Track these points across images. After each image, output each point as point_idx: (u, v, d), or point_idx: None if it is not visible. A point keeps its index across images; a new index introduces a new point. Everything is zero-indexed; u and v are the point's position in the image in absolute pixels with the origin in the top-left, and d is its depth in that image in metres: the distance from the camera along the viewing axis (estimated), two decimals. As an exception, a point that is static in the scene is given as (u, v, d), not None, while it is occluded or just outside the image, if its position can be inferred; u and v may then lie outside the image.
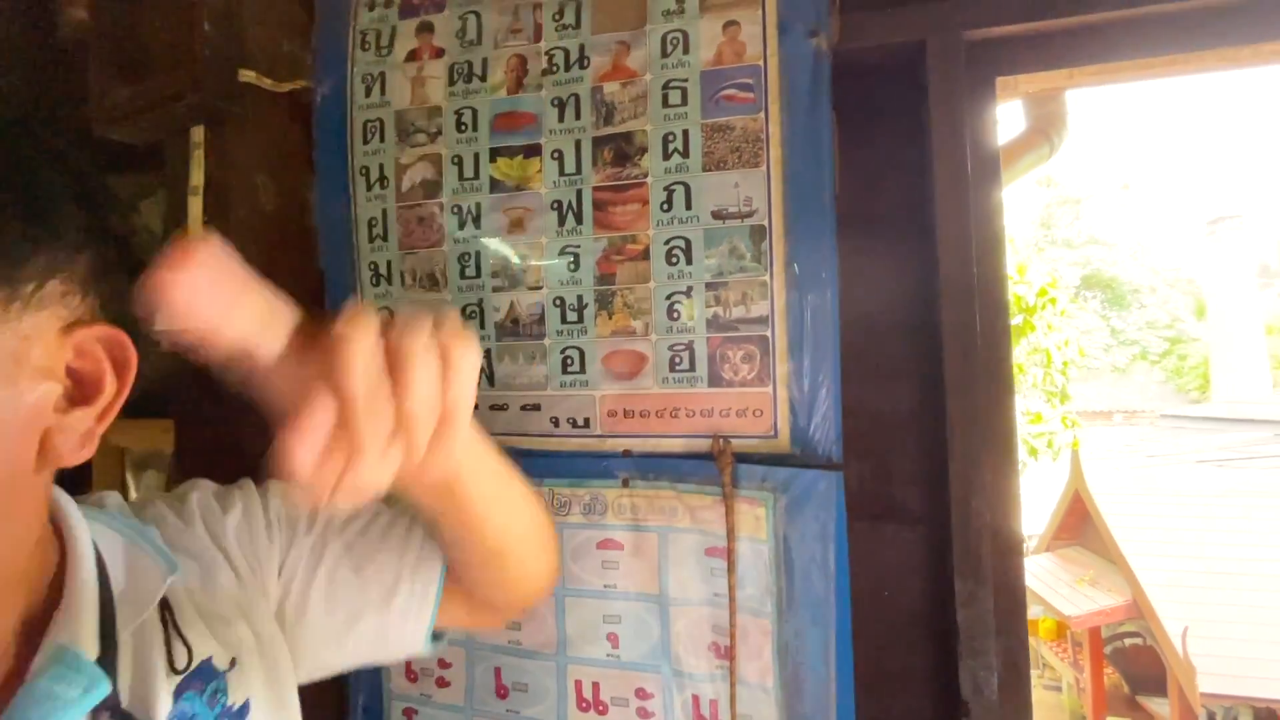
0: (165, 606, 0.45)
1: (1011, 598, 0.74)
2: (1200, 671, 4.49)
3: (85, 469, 1.17)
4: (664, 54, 0.82)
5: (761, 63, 0.79)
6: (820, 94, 0.77)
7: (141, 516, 0.50)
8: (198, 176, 0.88)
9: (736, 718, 0.77)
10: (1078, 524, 6.80)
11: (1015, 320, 4.52)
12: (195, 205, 0.88)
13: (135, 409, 1.17)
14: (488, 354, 0.88)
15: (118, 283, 0.39)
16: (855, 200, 0.80)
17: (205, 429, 0.92)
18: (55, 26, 1.21)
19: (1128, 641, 6.74)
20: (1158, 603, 4.98)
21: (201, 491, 0.55)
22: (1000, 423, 0.75)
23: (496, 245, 0.87)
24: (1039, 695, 7.94)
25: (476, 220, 0.87)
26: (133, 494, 1.19)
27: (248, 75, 0.87)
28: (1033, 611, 7.97)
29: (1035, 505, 7.57)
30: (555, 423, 0.86)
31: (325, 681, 0.97)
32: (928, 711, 0.78)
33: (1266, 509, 5.72)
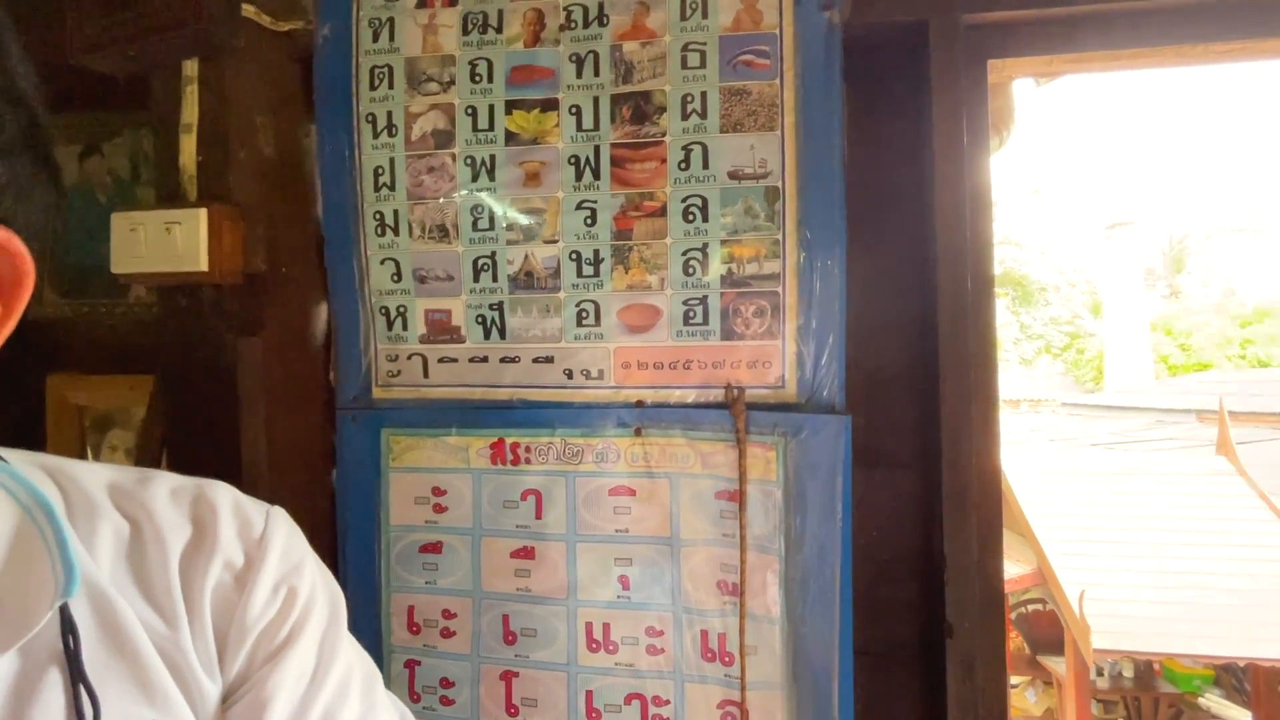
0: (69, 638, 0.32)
1: (991, 530, 0.83)
2: (1094, 631, 4.98)
3: (38, 427, 1.09)
4: (683, 17, 0.84)
5: (777, 31, 0.82)
6: (832, 65, 0.82)
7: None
8: (191, 113, 0.83)
9: (745, 648, 0.82)
10: (991, 501, 7.33)
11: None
12: (189, 143, 0.83)
13: (96, 364, 1.11)
14: (499, 306, 0.89)
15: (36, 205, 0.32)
16: (860, 169, 0.85)
17: (193, 388, 0.88)
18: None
19: (1030, 607, 7.36)
20: (1059, 570, 5.47)
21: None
22: (985, 374, 0.83)
23: (490, 200, 0.87)
24: (952, 660, 8.54)
25: (491, 172, 0.87)
26: (90, 458, 1.12)
27: (248, 10, 0.83)
28: (948, 584, 8.59)
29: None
30: (569, 374, 0.88)
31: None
32: (915, 636, 0.86)
33: (1151, 485, 6.38)
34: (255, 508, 0.41)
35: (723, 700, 0.84)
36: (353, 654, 0.42)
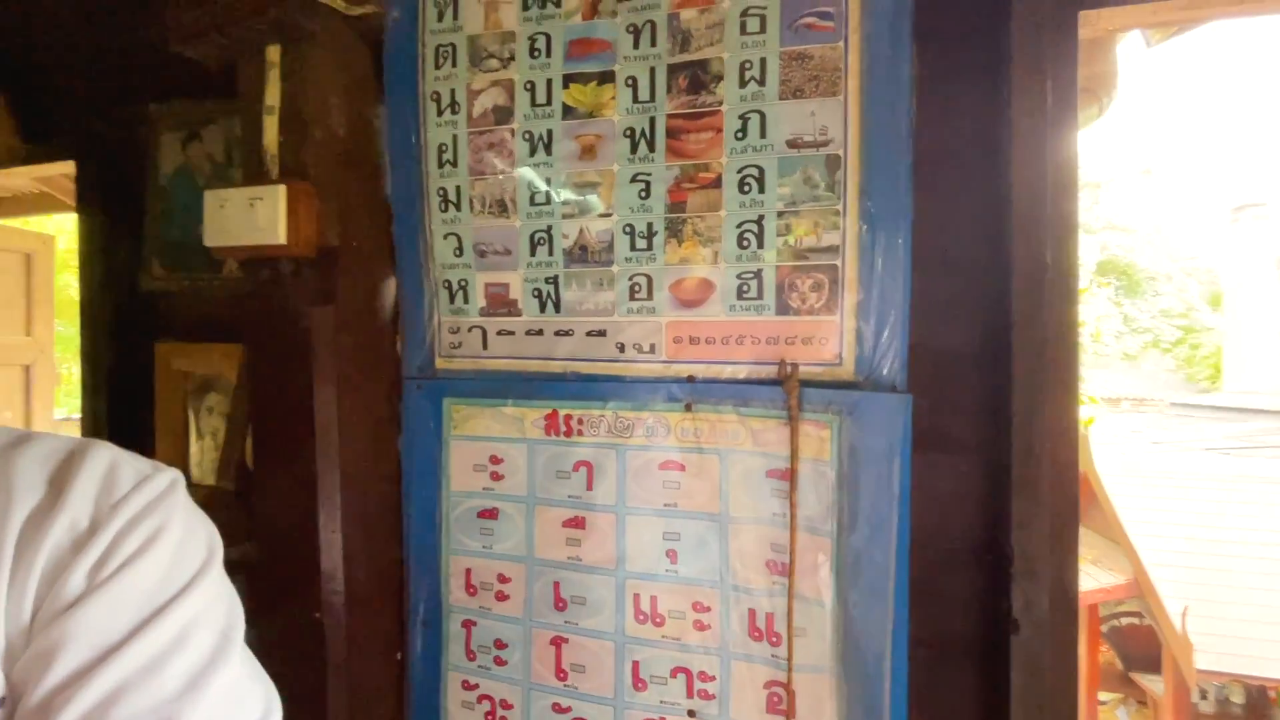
0: None
1: (1065, 524, 0.77)
2: (1197, 649, 4.57)
3: (148, 389, 1.20)
4: (743, -19, 0.82)
5: (842, -9, 0.79)
6: (901, 24, 0.77)
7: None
8: (273, 95, 0.89)
9: (793, 629, 0.80)
10: (1083, 505, 6.84)
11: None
12: (271, 125, 0.89)
13: (198, 333, 1.20)
14: (554, 280, 0.90)
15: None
16: (931, 133, 0.80)
17: (273, 356, 0.94)
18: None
19: (1124, 620, 6.83)
20: (1159, 582, 5.04)
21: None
22: (1064, 360, 0.77)
23: (546, 175, 0.88)
24: (1033, 670, 8.08)
25: (548, 146, 0.88)
26: (192, 420, 1.23)
27: (324, -6, 0.88)
28: (1031, 590, 8.09)
29: (1041, 485, 7.62)
30: (621, 348, 0.88)
31: (385, 594, 1.02)
32: (976, 630, 0.81)
33: (1271, 496, 5.75)
34: (133, 472, 0.38)
35: (769, 680, 0.83)
36: (211, 609, 0.38)
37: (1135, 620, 6.56)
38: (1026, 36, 0.76)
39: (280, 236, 0.84)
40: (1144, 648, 6.24)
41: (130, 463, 0.39)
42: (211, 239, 0.88)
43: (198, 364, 1.18)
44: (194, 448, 1.21)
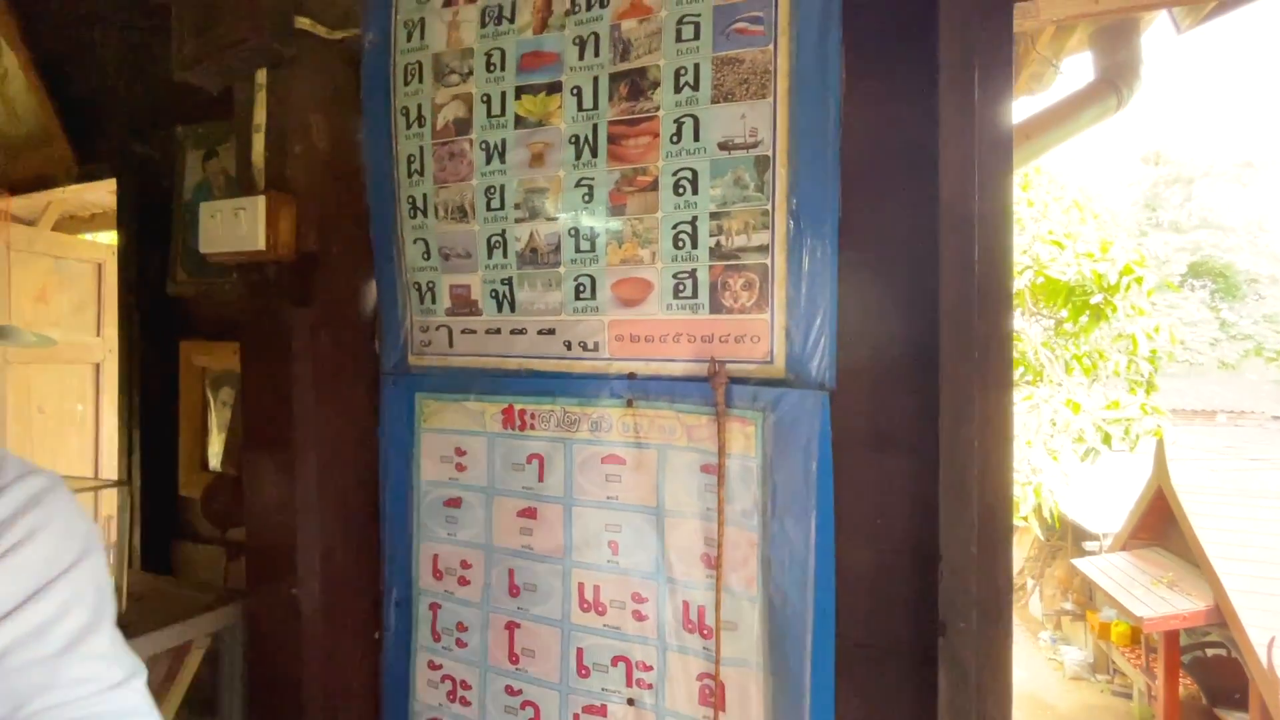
0: None
1: (996, 524, 0.75)
2: (1287, 686, 4.16)
3: (172, 383, 1.32)
4: (679, -10, 0.84)
5: (773, -5, 0.80)
6: (830, 27, 0.78)
7: None
8: (260, 115, 0.98)
9: (721, 624, 0.82)
10: (1159, 523, 6.35)
11: (1095, 299, 4.23)
12: (258, 141, 0.98)
13: (215, 332, 1.31)
14: (509, 281, 0.95)
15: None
16: (860, 134, 0.80)
17: (261, 353, 1.03)
18: (150, -9, 1.34)
19: (1209, 651, 6.29)
20: (1243, 610, 4.62)
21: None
22: (995, 356, 0.75)
23: (500, 182, 0.93)
24: (1106, 701, 7.54)
25: (502, 155, 0.94)
26: (212, 412, 1.35)
27: (304, 22, 0.96)
28: (1105, 614, 7.55)
29: (1113, 500, 7.12)
30: (568, 346, 0.92)
31: (364, 576, 1.09)
32: (908, 632, 0.80)
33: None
34: (17, 465, 0.44)
35: (701, 673, 0.84)
36: (86, 592, 0.43)
37: (1221, 651, 6.03)
38: (953, 30, 0.75)
39: (259, 243, 0.92)
40: (1229, 681, 5.73)
41: (15, 460, 0.45)
42: (205, 246, 0.98)
43: (215, 360, 1.29)
44: (213, 437, 1.33)
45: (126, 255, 1.38)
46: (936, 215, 0.77)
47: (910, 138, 0.80)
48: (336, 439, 1.04)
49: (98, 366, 2.18)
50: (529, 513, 0.95)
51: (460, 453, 1.01)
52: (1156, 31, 1.84)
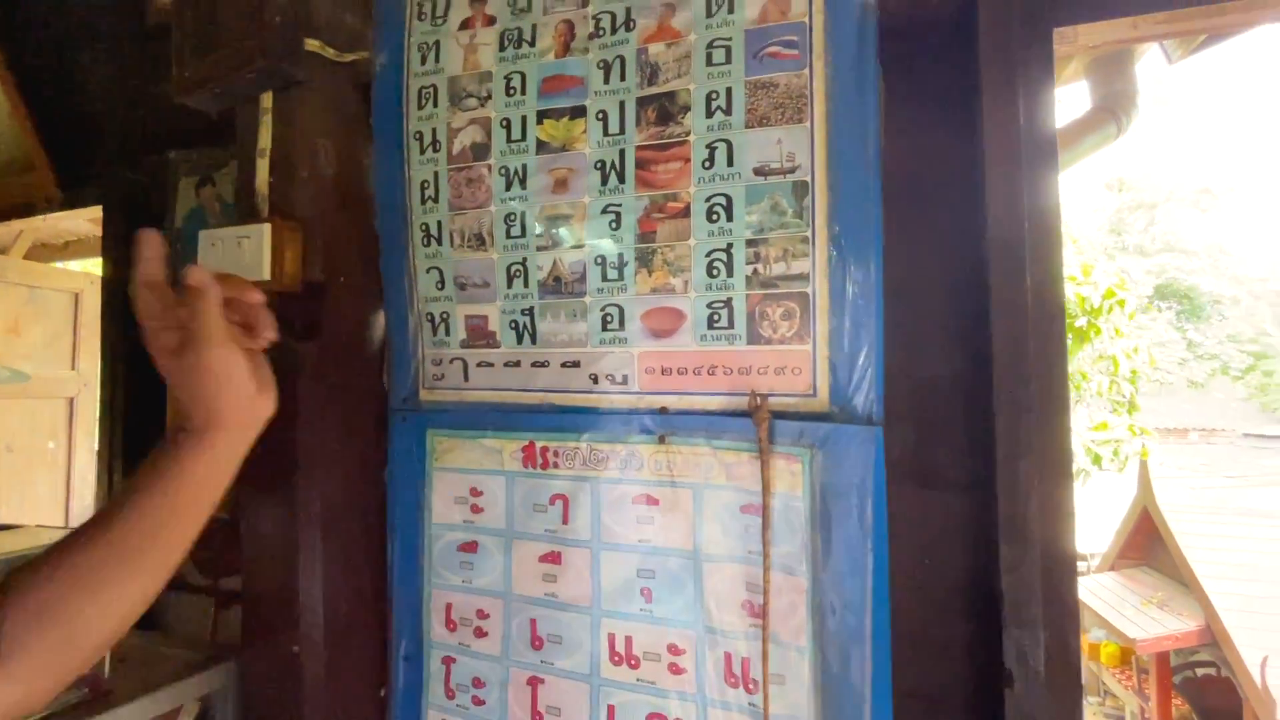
0: None
1: (1060, 565, 0.71)
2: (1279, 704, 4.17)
3: (158, 419, 1.25)
4: (709, 14, 0.82)
5: (807, 19, 0.78)
6: (866, 50, 0.76)
7: None
8: (265, 139, 0.93)
9: (768, 677, 0.76)
10: (1146, 543, 6.41)
11: (1079, 323, 4.30)
12: (263, 167, 0.93)
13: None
14: (530, 311, 0.91)
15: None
16: (901, 159, 0.78)
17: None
18: (144, 14, 1.30)
19: (1200, 671, 6.31)
20: (1234, 629, 4.65)
21: None
22: (1052, 386, 0.72)
23: (521, 208, 0.89)
24: (1099, 724, 7.50)
25: (523, 181, 0.90)
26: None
27: (313, 45, 0.92)
28: (1095, 635, 7.54)
29: (1099, 521, 7.18)
30: (594, 379, 0.87)
31: (369, 627, 1.01)
32: (970, 681, 0.76)
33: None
34: None
35: (746, 730, 0.78)
36: None
37: (1212, 671, 6.04)
38: (996, 58, 0.73)
39: (264, 273, 0.87)
40: (1222, 701, 5.73)
41: None
42: (204, 277, 0.92)
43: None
44: (201, 478, 1.25)
45: (112, 285, 1.31)
46: (982, 240, 0.75)
47: (952, 162, 0.79)
48: (343, 479, 0.97)
49: (71, 401, 2.08)
50: (552, 557, 0.89)
51: (476, 493, 0.95)
52: (1149, 62, 1.88)
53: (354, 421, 1.00)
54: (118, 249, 1.31)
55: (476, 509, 0.95)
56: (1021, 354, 0.72)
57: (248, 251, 0.88)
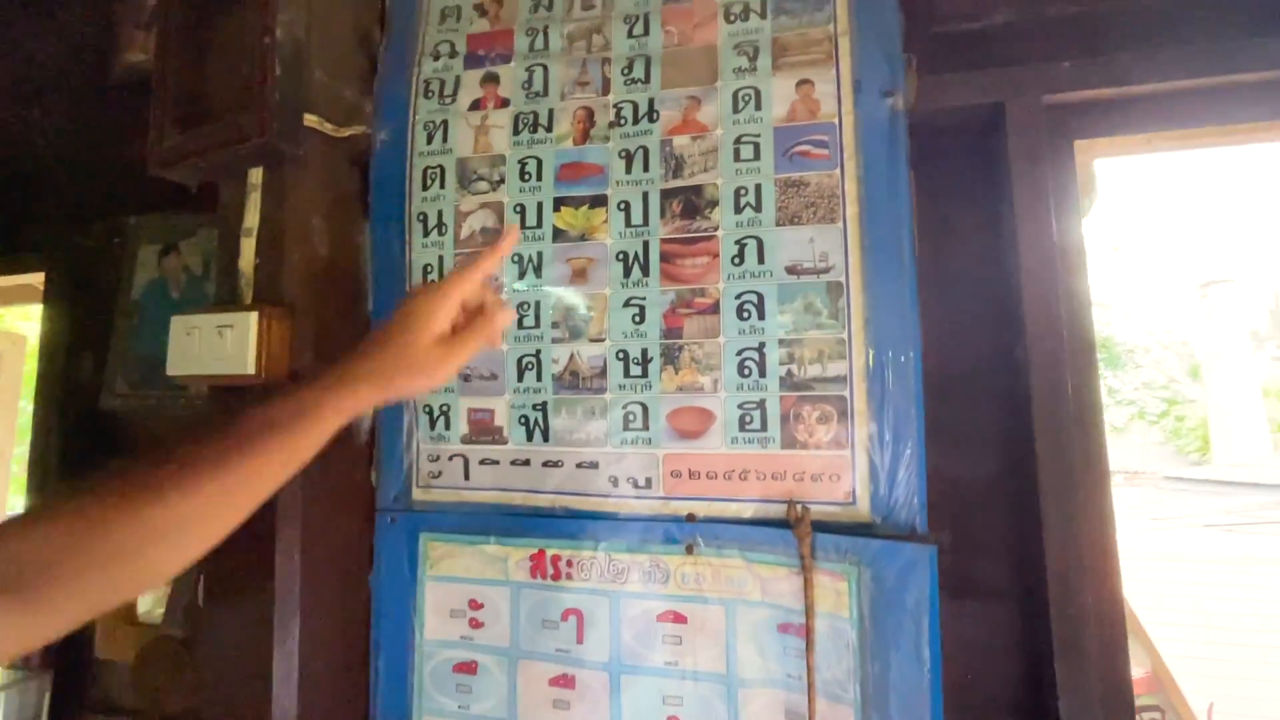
0: None
1: (1116, 687, 0.68)
2: (1228, 751, 4.28)
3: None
4: (735, 110, 0.81)
5: (836, 120, 0.78)
6: (897, 153, 0.76)
7: None
8: (253, 218, 0.85)
9: (815, 819, 0.69)
10: (1090, 589, 6.60)
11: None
12: (248, 247, 0.85)
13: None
14: (543, 407, 0.84)
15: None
16: (932, 258, 0.78)
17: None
18: (109, 67, 1.22)
19: (1146, 717, 6.45)
20: (1180, 676, 4.79)
21: None
22: (1096, 492, 0.71)
23: (562, 291, 0.84)
24: (1054, 772, 7.54)
25: (538, 269, 0.85)
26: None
27: (311, 120, 0.86)
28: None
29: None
30: (614, 482, 0.81)
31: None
32: (1026, 815, 0.71)
33: (1282, 577, 5.59)
34: None
35: None
36: None
37: (1158, 717, 6.19)
38: (1026, 165, 0.75)
39: (249, 366, 0.78)
40: (1170, 747, 5.85)
41: None
42: (175, 367, 0.83)
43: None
44: (144, 580, 1.10)
45: (50, 360, 1.17)
46: (1018, 344, 0.74)
47: (982, 266, 0.79)
48: (324, 591, 0.86)
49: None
50: (564, 681, 0.81)
51: (475, 606, 0.86)
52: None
53: (338, 523, 0.90)
54: (60, 319, 1.18)
55: (476, 624, 0.86)
56: (1066, 458, 0.70)
57: (230, 341, 0.79)
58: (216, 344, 0.80)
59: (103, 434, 1.14)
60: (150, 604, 1.08)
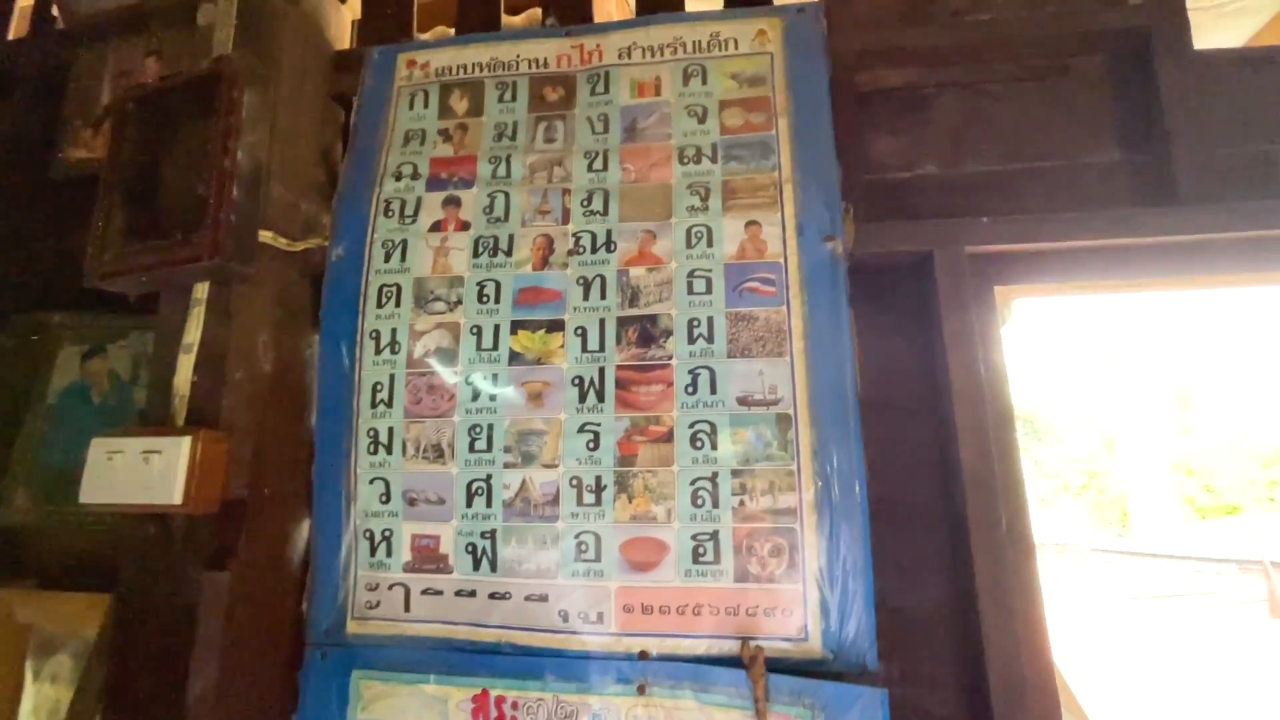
0: None
1: (1067, 832, 0.68)
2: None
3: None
4: (689, 245, 0.86)
5: (782, 260, 0.83)
6: (838, 292, 0.81)
7: None
8: (194, 334, 0.82)
9: None
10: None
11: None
12: (185, 365, 0.82)
13: (55, 577, 1.01)
14: (491, 535, 0.82)
15: None
16: (873, 387, 0.82)
17: (149, 620, 0.79)
18: (51, 162, 1.18)
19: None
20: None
21: None
22: (1029, 606, 0.73)
23: (488, 421, 0.84)
24: None
25: (492, 393, 0.85)
26: (29, 681, 1.00)
27: (265, 235, 0.86)
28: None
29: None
30: (564, 616, 0.79)
31: None
32: None
33: (1212, 656, 5.81)
34: None
35: None
36: None
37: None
38: (951, 307, 0.81)
39: (175, 497, 0.73)
40: (1117, 833, 5.81)
41: None
42: (89, 494, 0.76)
43: (50, 617, 0.98)
44: (23, 724, 0.97)
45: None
46: (955, 471, 0.78)
47: (918, 395, 0.83)
48: (238, 744, 0.78)
49: None
50: (506, 840, 0.75)
51: (411, 752, 0.79)
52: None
53: (261, 658, 0.83)
54: (-41, 422, 1.08)
55: (410, 773, 0.79)
56: (1004, 590, 0.73)
57: (156, 470, 0.74)
58: (141, 471, 0.75)
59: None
60: (28, 753, 0.94)
